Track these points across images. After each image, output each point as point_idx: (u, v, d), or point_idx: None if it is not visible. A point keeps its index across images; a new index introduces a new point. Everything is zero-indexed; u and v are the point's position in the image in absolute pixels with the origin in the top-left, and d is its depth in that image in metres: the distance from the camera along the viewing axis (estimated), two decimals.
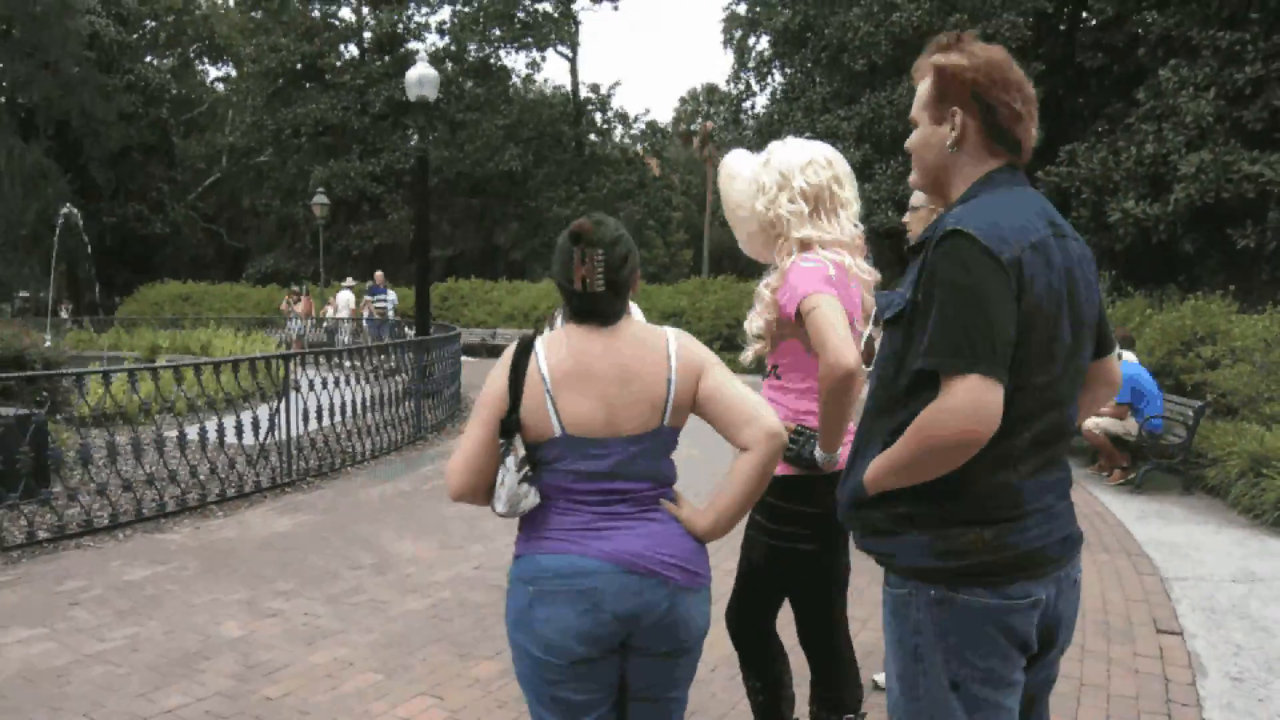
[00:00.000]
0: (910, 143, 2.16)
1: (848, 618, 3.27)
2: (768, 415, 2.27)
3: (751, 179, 3.06)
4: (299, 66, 39.66)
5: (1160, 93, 17.84)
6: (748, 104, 31.40)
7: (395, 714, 4.05)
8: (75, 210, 25.25)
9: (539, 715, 2.38)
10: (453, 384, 13.92)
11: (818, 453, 2.86)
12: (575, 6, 41.91)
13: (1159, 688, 4.35)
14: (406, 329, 21.18)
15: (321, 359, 11.30)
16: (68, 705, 4.10)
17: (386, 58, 40.32)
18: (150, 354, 17.67)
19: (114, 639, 4.88)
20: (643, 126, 44.77)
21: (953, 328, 1.83)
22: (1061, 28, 22.89)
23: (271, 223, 41.82)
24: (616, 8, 67.35)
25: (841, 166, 3.04)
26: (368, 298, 23.84)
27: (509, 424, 2.28)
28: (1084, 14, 21.53)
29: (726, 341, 18.84)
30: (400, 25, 40.74)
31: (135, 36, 42.86)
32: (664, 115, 69.91)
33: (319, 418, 9.41)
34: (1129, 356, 9.31)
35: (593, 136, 43.25)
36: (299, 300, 26.63)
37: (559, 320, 4.55)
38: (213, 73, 51.46)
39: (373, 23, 41.13)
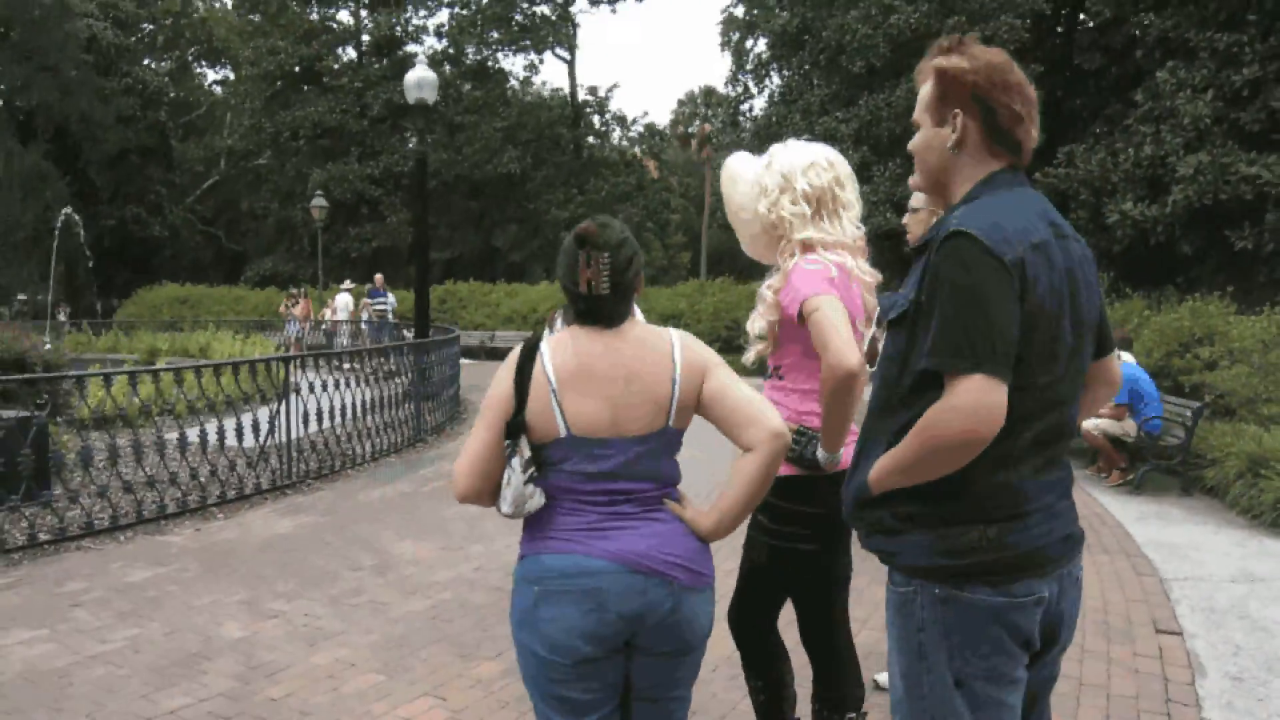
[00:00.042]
0: (912, 145, 2.18)
1: (849, 617, 3.28)
2: (771, 416, 2.28)
3: (754, 181, 3.08)
4: (297, 69, 39.69)
5: (1158, 94, 17.86)
6: (746, 106, 31.43)
7: (397, 714, 4.05)
8: (74, 213, 25.25)
9: (543, 714, 2.39)
10: (452, 386, 13.93)
11: (820, 453, 2.88)
12: (573, 9, 41.94)
13: (1159, 688, 4.36)
14: (405, 331, 21.21)
15: (321, 361, 11.29)
16: (70, 706, 4.10)
17: (384, 60, 40.33)
18: (149, 357, 17.66)
19: (115, 640, 4.88)
20: (641, 129, 44.83)
21: (956, 328, 1.84)
22: (1059, 29, 22.92)
23: (270, 225, 41.82)
24: (614, 10, 67.55)
25: (843, 168, 3.06)
26: (367, 300, 23.84)
27: (515, 425, 2.29)
28: (1082, 16, 21.53)
29: (725, 343, 18.87)
30: (398, 28, 40.74)
31: (133, 40, 42.90)
32: (662, 118, 70.11)
33: (319, 420, 9.42)
34: (1127, 358, 9.33)
35: (591, 139, 43.26)
36: (297, 303, 26.64)
37: (559, 321, 4.56)
38: (211, 76, 51.66)
39: (371, 25, 41.17)
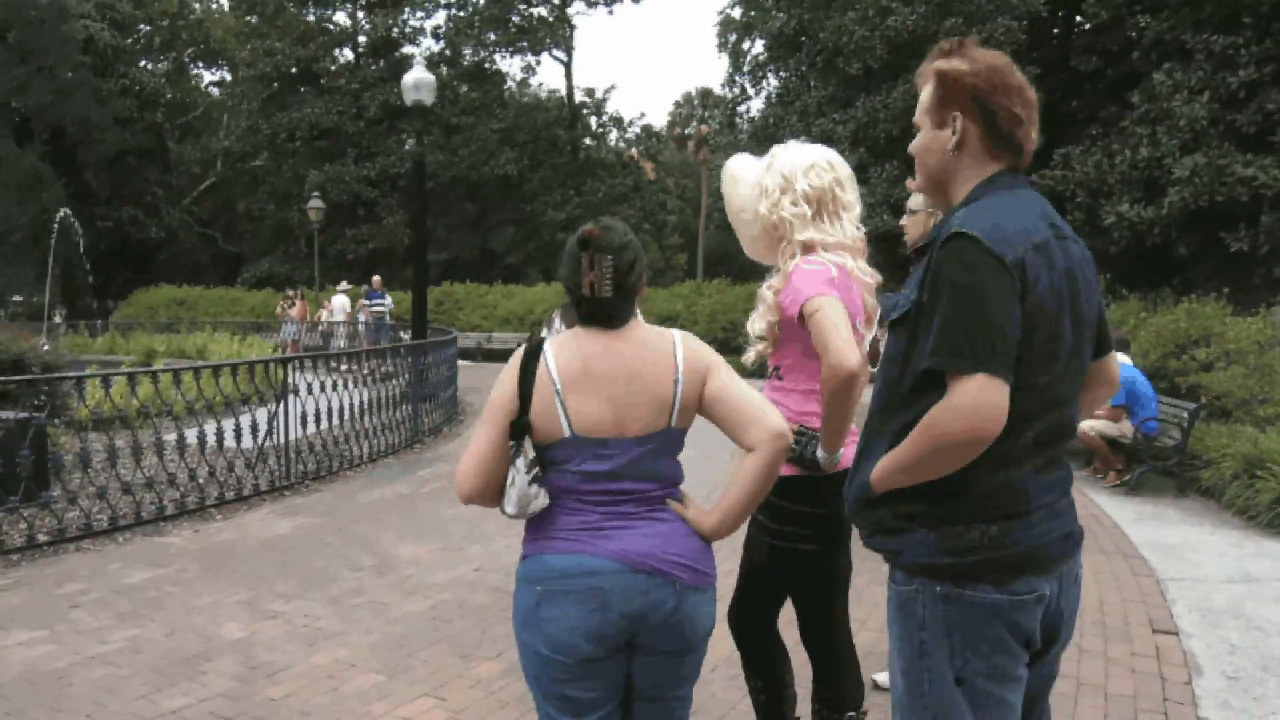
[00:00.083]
0: (913, 147, 2.19)
1: (849, 617, 3.30)
2: (773, 416, 2.30)
3: (754, 182, 3.10)
4: (294, 71, 39.65)
5: (1154, 96, 17.90)
6: (743, 108, 31.36)
7: (397, 714, 4.07)
8: (71, 214, 25.23)
9: (546, 713, 2.40)
10: (449, 388, 13.93)
11: (820, 453, 2.89)
12: (570, 10, 41.96)
13: (1156, 687, 4.38)
14: (402, 333, 21.21)
15: (319, 363, 11.29)
16: (70, 706, 4.11)
17: (381, 62, 40.30)
18: (146, 358, 17.66)
19: (115, 641, 4.89)
20: (638, 130, 44.82)
21: (957, 328, 1.86)
22: (1056, 32, 22.95)
23: (266, 227, 41.75)
24: (611, 12, 67.26)
25: (843, 170, 3.08)
26: (364, 301, 23.84)
27: (519, 426, 2.31)
28: (1078, 18, 21.58)
29: (722, 345, 18.85)
30: (395, 30, 40.73)
31: (130, 41, 42.78)
32: (659, 119, 70.10)
33: (316, 421, 9.42)
34: (1124, 359, 9.35)
35: (588, 140, 43.26)
36: (294, 304, 26.63)
37: (556, 320, 4.57)
38: (207, 77, 51.56)
39: (367, 27, 41.14)
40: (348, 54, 41.93)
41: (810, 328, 2.78)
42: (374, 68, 40.01)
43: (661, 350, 2.35)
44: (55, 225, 23.69)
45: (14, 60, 34.52)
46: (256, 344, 21.81)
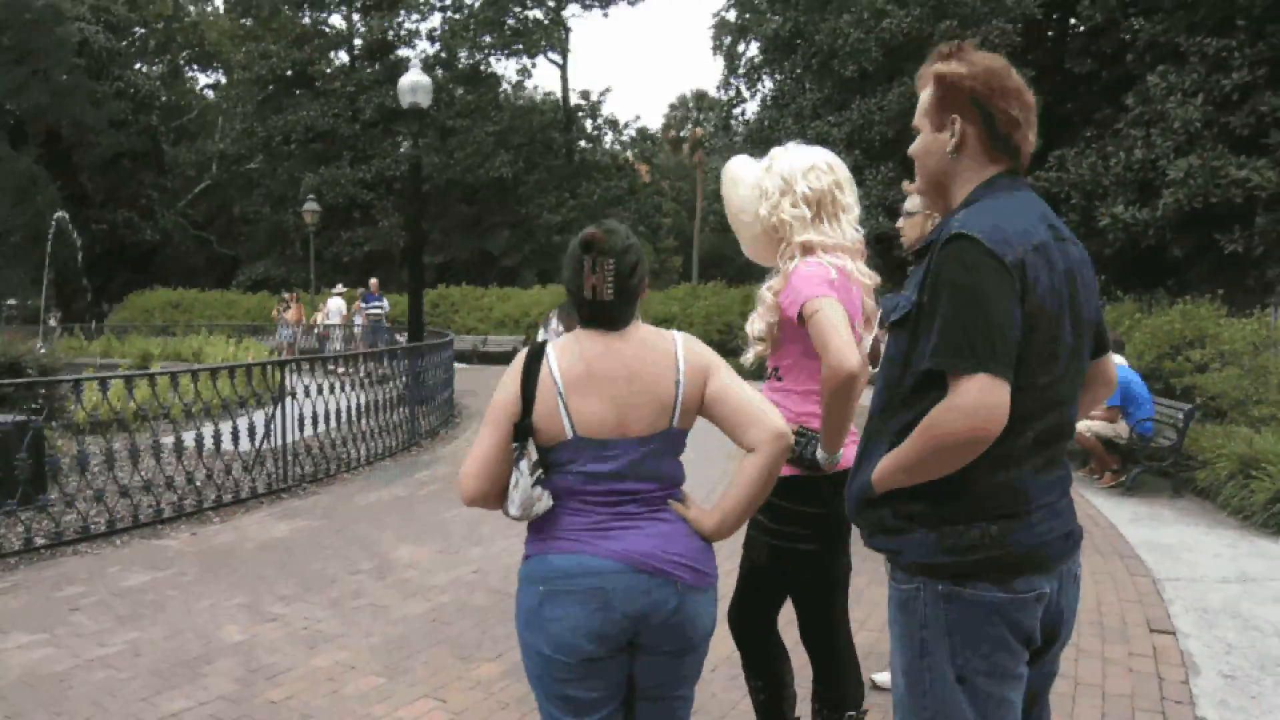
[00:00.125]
0: (912, 149, 2.21)
1: (849, 617, 3.31)
2: (774, 417, 2.31)
3: (754, 184, 3.11)
4: (289, 73, 39.66)
5: (1149, 98, 17.95)
6: (738, 110, 31.39)
7: (397, 716, 4.07)
8: (67, 217, 25.18)
9: (548, 713, 2.41)
10: (446, 390, 13.94)
11: (820, 453, 2.91)
12: (565, 13, 42.01)
13: (1153, 686, 4.40)
14: (398, 336, 21.20)
15: (316, 365, 11.30)
16: (70, 709, 4.12)
17: (377, 65, 40.31)
18: (141, 361, 17.64)
19: (115, 644, 4.90)
20: (633, 133, 44.92)
21: (958, 328, 1.88)
22: (1050, 34, 23.01)
23: (262, 230, 41.71)
24: (606, 15, 67.44)
25: (842, 172, 3.10)
26: (361, 305, 23.82)
27: (522, 428, 2.32)
28: (1073, 21, 21.64)
29: (718, 347, 18.47)
30: (390, 32, 40.71)
31: (125, 44, 42.76)
32: (654, 122, 70.12)
33: (314, 424, 9.43)
34: (1119, 360, 9.38)
35: (583, 143, 43.27)
36: (289, 307, 26.60)
37: (554, 321, 4.59)
38: (202, 80, 51.49)
39: (363, 30, 41.10)
40: (343, 57, 41.93)
41: (810, 328, 2.80)
42: (369, 70, 40.03)
43: (663, 351, 2.37)
44: (51, 228, 23.63)
45: (9, 63, 34.46)
46: (253, 346, 21.78)
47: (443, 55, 40.69)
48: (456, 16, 40.61)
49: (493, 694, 4.29)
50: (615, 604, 2.27)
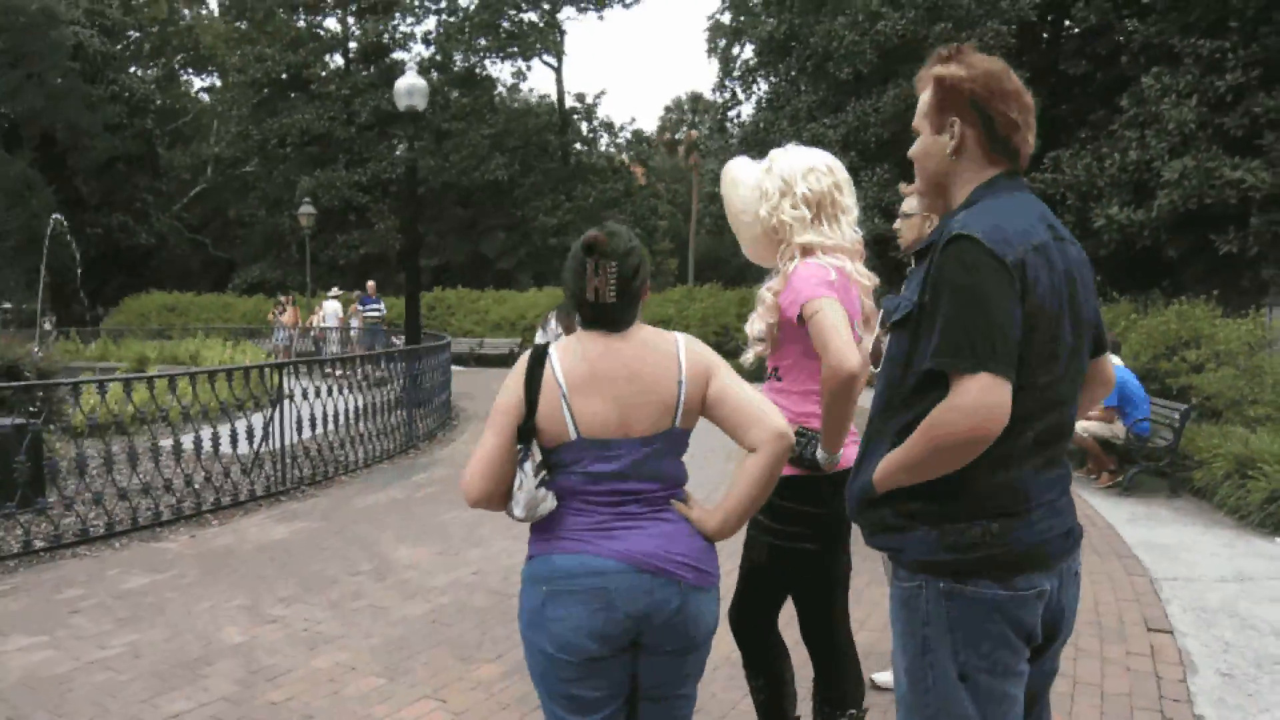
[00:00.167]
0: (912, 151, 2.23)
1: (849, 616, 3.33)
2: (775, 417, 2.33)
3: (754, 185, 3.13)
4: (284, 76, 39.62)
5: (1143, 100, 17.99)
6: (733, 113, 31.41)
7: (398, 717, 4.09)
8: (64, 220, 25.15)
9: (551, 712, 2.42)
10: (443, 393, 13.95)
11: (820, 453, 2.92)
12: (560, 16, 42.00)
13: (1151, 685, 4.42)
14: (394, 339, 21.20)
15: (313, 368, 11.30)
16: (71, 711, 4.13)
17: (372, 68, 40.32)
18: (138, 364, 17.64)
19: (115, 646, 4.90)
20: (628, 135, 44.80)
21: (959, 328, 1.89)
22: (1045, 36, 23.06)
23: (258, 233, 41.64)
24: (602, 17, 67.57)
25: (841, 173, 3.12)
26: (358, 307, 23.81)
27: (526, 430, 2.33)
28: (1067, 22, 21.69)
29: (715, 349, 18.75)
30: (385, 35, 40.71)
31: (120, 47, 42.69)
32: (649, 124, 70.06)
33: (312, 426, 9.44)
34: (1115, 360, 9.41)
35: (578, 145, 43.23)
36: (285, 310, 26.60)
37: (553, 322, 4.61)
38: (197, 83, 51.43)
39: (358, 33, 41.09)
40: (338, 60, 41.93)
41: (810, 329, 2.81)
42: (364, 74, 40.03)
43: (664, 352, 2.38)
44: (48, 231, 23.61)
45: (3, 66, 34.42)
46: (249, 349, 21.77)
47: (438, 58, 40.67)
48: (451, 19, 40.59)
49: (493, 694, 4.30)
50: (618, 604, 2.28)
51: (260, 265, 40.78)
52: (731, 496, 2.37)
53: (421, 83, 14.54)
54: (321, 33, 41.77)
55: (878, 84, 21.93)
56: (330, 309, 24.80)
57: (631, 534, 2.32)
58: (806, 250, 3.01)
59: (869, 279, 3.12)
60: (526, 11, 41.08)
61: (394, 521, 7.69)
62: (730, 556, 3.32)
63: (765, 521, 3.05)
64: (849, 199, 3.11)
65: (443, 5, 40.87)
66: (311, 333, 25.23)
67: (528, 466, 2.32)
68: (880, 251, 17.18)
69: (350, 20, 41.65)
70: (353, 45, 41.47)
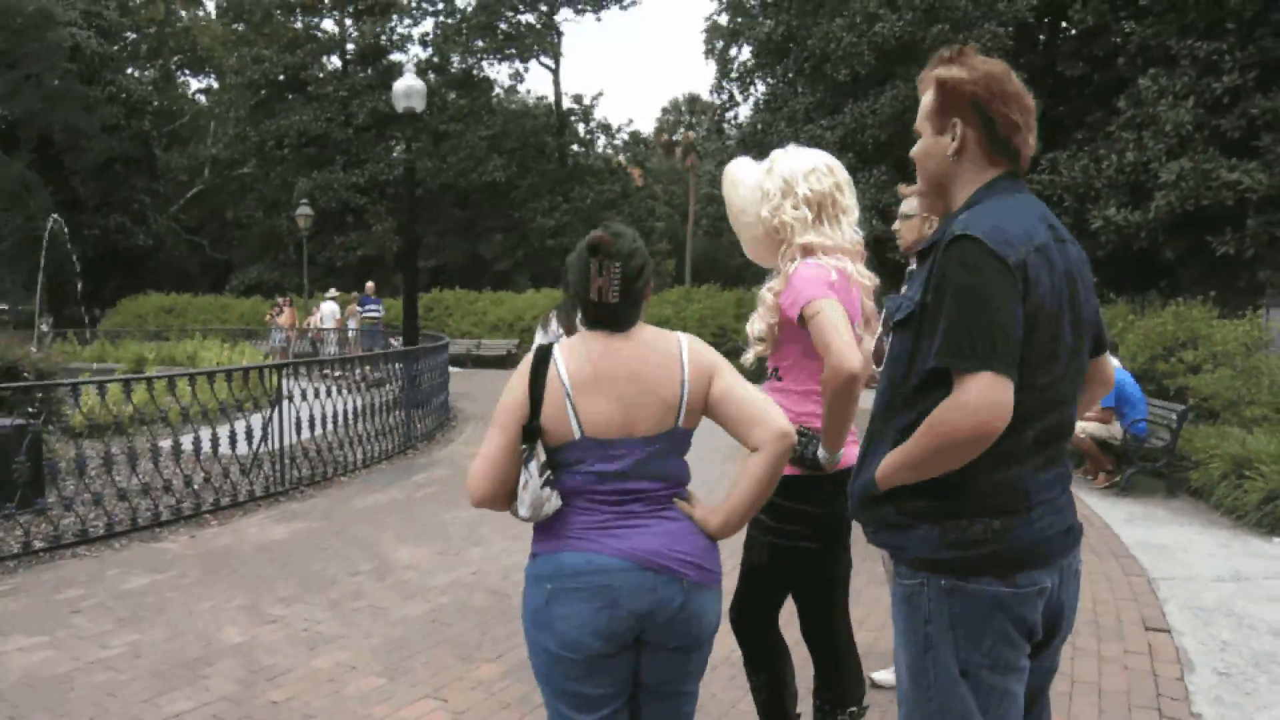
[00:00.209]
0: (914, 152, 2.24)
1: (849, 615, 3.34)
2: (777, 416, 2.34)
3: (756, 186, 3.14)
4: (282, 78, 39.61)
5: (1140, 101, 18.03)
6: (730, 114, 31.43)
7: (399, 716, 4.10)
8: (62, 221, 25.13)
9: (555, 709, 2.44)
10: (441, 394, 13.96)
11: (820, 453, 2.94)
12: (557, 18, 42.01)
13: (1149, 684, 4.44)
14: (392, 340, 21.21)
15: (312, 369, 11.31)
16: (72, 711, 4.13)
17: (369, 69, 40.31)
18: (136, 366, 17.61)
19: (116, 646, 4.91)
20: (625, 137, 44.82)
21: (962, 328, 1.91)
22: (1042, 38, 23.09)
23: (255, 234, 41.62)
24: (599, 19, 67.55)
25: (842, 174, 3.13)
26: (357, 308, 23.81)
27: (531, 430, 2.34)
28: (1064, 24, 21.73)
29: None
30: (383, 37, 40.71)
31: (117, 48, 42.62)
32: (646, 125, 70.16)
33: (310, 427, 9.44)
34: (1113, 362, 9.42)
35: (576, 147, 43.25)
36: (282, 312, 26.60)
37: (553, 323, 4.62)
38: (194, 85, 51.38)
39: (355, 34, 41.11)
40: (336, 61, 41.91)
41: (811, 330, 2.83)
42: (362, 75, 40.02)
43: (668, 353, 2.39)
44: (46, 232, 23.60)
45: (0, 67, 34.40)
46: (247, 350, 21.77)
47: (435, 60, 40.69)
48: (449, 21, 40.61)
49: (494, 694, 4.32)
50: (622, 602, 2.29)
51: (258, 267, 40.76)
52: (734, 495, 2.39)
53: (419, 84, 14.55)
54: (319, 34, 41.75)
55: (875, 86, 21.96)
56: (327, 310, 24.80)
57: (635, 532, 2.33)
58: (807, 251, 3.02)
59: (869, 279, 3.14)
60: (524, 13, 41.10)
61: (393, 522, 7.69)
62: (730, 556, 3.34)
63: (766, 521, 3.07)
64: (849, 199, 3.13)
65: (440, 7, 40.92)
66: (309, 334, 25.23)
67: (533, 466, 2.33)
68: (878, 253, 17.19)
69: (348, 22, 41.65)
70: (350, 47, 41.49)
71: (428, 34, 41.49)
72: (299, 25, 41.22)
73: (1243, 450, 8.12)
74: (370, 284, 24.74)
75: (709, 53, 32.26)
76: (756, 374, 3.00)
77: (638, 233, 2.47)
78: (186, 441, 8.03)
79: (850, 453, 2.98)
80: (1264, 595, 5.80)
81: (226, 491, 8.20)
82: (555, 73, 42.97)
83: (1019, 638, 2.04)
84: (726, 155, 26.48)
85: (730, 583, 3.20)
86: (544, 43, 41.61)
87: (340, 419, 10.05)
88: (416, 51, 41.91)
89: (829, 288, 2.88)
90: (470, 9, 39.94)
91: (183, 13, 48.28)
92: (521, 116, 42.53)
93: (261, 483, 8.65)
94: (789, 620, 3.25)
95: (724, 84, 30.21)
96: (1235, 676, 4.54)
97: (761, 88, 28.24)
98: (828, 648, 3.25)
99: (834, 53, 21.97)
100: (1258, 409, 9.20)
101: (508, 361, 25.94)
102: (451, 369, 16.53)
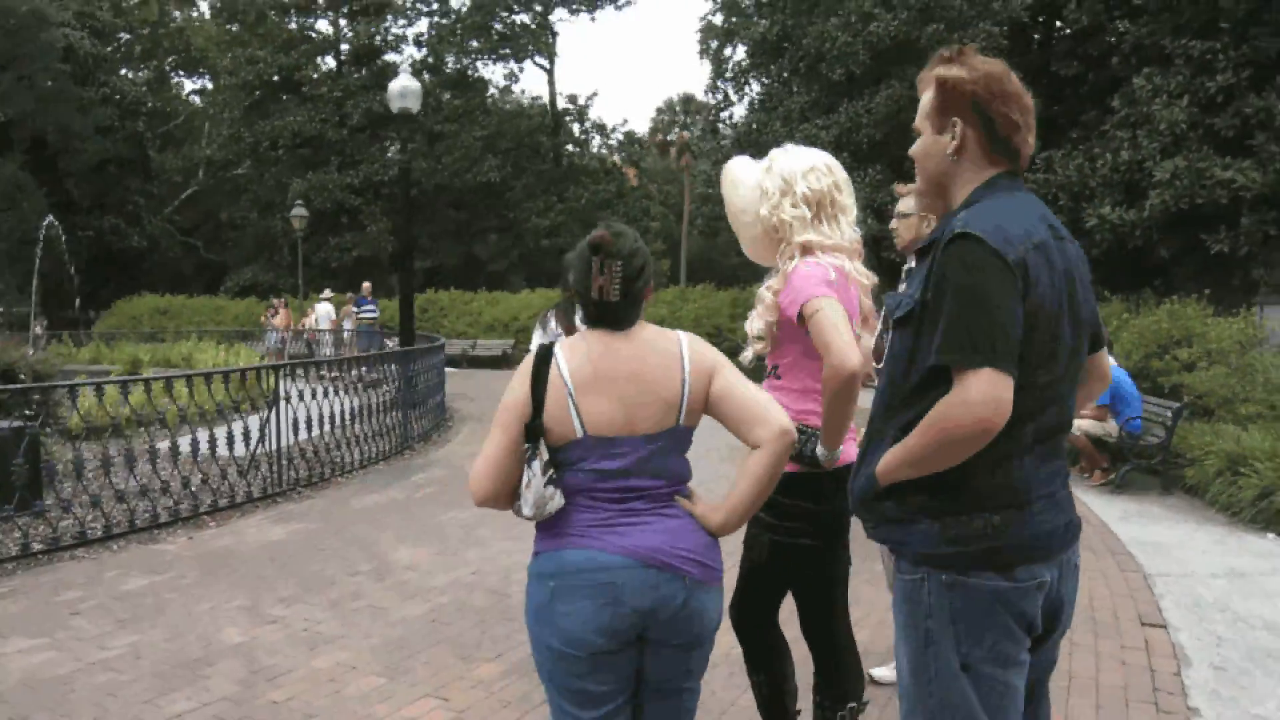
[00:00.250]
0: (913, 151, 2.26)
1: (849, 611, 3.36)
2: (778, 414, 2.36)
3: (755, 185, 3.16)
4: (276, 79, 39.53)
5: (1134, 100, 18.07)
6: (725, 114, 31.44)
7: (400, 715, 4.11)
8: (57, 223, 25.08)
9: (558, 706, 2.45)
10: (438, 394, 13.96)
11: (819, 450, 2.95)
12: (552, 18, 42.00)
13: (1146, 678, 4.47)
14: (387, 341, 21.21)
15: (309, 370, 11.31)
16: (74, 711, 4.14)
17: (364, 70, 40.26)
18: (131, 367, 17.59)
19: (116, 647, 4.92)
20: (620, 137, 44.84)
21: (962, 326, 1.93)
22: (1037, 38, 23.14)
23: (249, 235, 41.55)
24: (594, 19, 67.54)
25: (840, 173, 3.15)
26: (353, 309, 23.81)
27: (533, 429, 2.36)
28: (1059, 24, 21.77)
29: None
30: (378, 38, 40.66)
31: (110, 49, 42.56)
32: (641, 125, 70.17)
33: (308, 428, 9.45)
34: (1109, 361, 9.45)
35: (570, 147, 43.24)
36: (277, 313, 26.60)
37: (551, 321, 4.63)
38: (189, 85, 51.32)
39: (350, 35, 41.05)
40: (330, 62, 41.83)
41: (810, 328, 2.84)
42: (356, 76, 39.95)
43: (668, 351, 2.41)
44: (42, 233, 23.55)
45: None
46: (243, 352, 21.75)
47: (430, 60, 40.64)
48: (443, 21, 40.56)
49: (494, 693, 4.33)
50: (625, 599, 2.31)
51: (252, 268, 40.67)
52: (735, 493, 2.40)
53: (415, 84, 14.56)
54: (313, 35, 41.66)
55: (870, 85, 21.98)
56: (323, 311, 24.79)
57: (638, 530, 2.35)
58: (806, 249, 3.04)
59: (868, 278, 3.16)
60: (518, 13, 41.09)
61: (392, 522, 7.70)
62: (730, 553, 3.36)
63: (766, 518, 3.08)
64: (848, 198, 3.15)
65: (434, 7, 40.87)
66: (304, 335, 25.23)
67: (535, 465, 2.35)
68: (874, 252, 17.21)
69: (342, 22, 41.58)
70: (344, 47, 41.41)
71: (422, 34, 41.46)
72: (293, 26, 41.15)
73: (1237, 447, 8.15)
74: (367, 285, 24.72)
75: (704, 52, 32.28)
76: (756, 372, 3.02)
77: (638, 233, 2.48)
78: (184, 443, 8.03)
79: (849, 450, 3.00)
80: (1259, 591, 5.83)
81: (224, 493, 8.21)
82: (550, 73, 43.05)
83: (1019, 632, 2.06)
84: (721, 155, 26.48)
85: (730, 580, 3.22)
86: (538, 43, 41.61)
87: (337, 420, 10.06)
88: (411, 52, 41.81)
89: (828, 286, 2.89)
90: (465, 9, 39.91)
91: (176, 13, 48.22)
92: (516, 117, 42.49)
93: (259, 484, 8.66)
94: (788, 618, 3.27)
95: (719, 84, 30.20)
96: (1231, 671, 4.57)
97: (756, 87, 28.25)
98: (828, 645, 3.26)
99: (829, 52, 21.99)
100: (1252, 406, 9.23)
101: (503, 362, 25.95)
102: (447, 369, 16.55)
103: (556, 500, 2.36)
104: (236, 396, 9.06)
